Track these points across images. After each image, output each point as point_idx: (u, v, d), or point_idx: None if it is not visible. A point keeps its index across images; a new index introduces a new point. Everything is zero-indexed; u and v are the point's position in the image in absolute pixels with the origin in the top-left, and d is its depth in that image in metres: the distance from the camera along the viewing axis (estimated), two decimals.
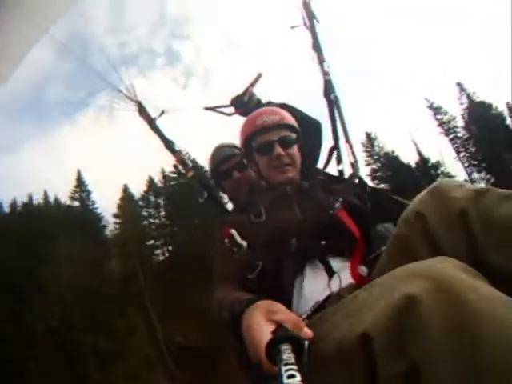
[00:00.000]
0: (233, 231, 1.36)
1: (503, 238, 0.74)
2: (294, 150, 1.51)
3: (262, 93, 2.03)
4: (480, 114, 30.31)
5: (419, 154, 31.31)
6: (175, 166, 30.10)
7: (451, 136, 31.38)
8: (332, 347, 0.73)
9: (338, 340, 0.72)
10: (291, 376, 0.55)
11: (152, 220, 29.83)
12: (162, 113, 1.93)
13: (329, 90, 1.75)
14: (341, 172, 1.68)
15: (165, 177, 31.24)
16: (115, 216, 28.64)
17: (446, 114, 31.82)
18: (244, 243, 1.31)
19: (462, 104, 31.72)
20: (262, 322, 0.79)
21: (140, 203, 30.35)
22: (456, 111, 32.10)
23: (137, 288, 22.27)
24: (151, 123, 1.92)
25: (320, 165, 1.78)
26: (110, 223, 29.23)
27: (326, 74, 1.80)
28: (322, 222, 1.28)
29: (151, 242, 28.76)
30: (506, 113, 31.19)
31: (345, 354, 0.68)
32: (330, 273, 1.16)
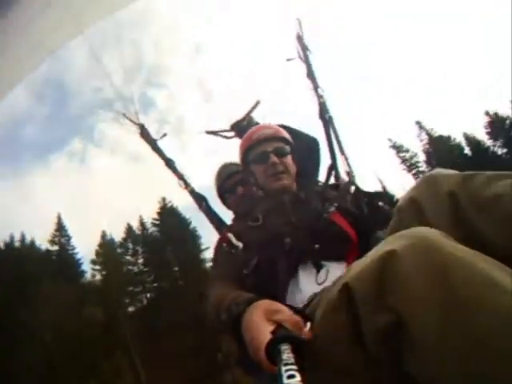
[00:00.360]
0: (229, 234, 1.43)
1: (494, 216, 0.75)
2: (288, 159, 1.59)
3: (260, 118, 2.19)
4: (439, 147, 32.51)
5: (384, 190, 32.89)
6: (159, 214, 30.88)
7: (413, 171, 33.54)
8: (321, 309, 0.79)
9: (326, 301, 0.78)
10: (291, 376, 0.56)
11: (130, 267, 29.80)
12: (164, 135, 2.10)
13: (323, 112, 1.90)
14: (338, 186, 1.76)
15: (142, 224, 31.69)
16: (93, 262, 28.71)
17: (407, 151, 34.16)
18: (240, 244, 1.38)
19: (421, 141, 34.21)
20: (262, 321, 0.80)
21: (118, 250, 30.36)
22: (417, 148, 34.33)
23: (118, 334, 22.03)
24: (152, 144, 2.06)
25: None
26: (88, 269, 29.00)
27: (320, 97, 1.96)
28: (316, 225, 1.34)
29: (130, 288, 28.56)
30: (463, 143, 33.40)
31: (330, 308, 0.74)
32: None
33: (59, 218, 29.92)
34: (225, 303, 1.06)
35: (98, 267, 28.20)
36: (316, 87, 1.99)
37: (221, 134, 2.22)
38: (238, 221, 1.70)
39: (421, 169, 33.49)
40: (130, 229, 31.38)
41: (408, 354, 0.60)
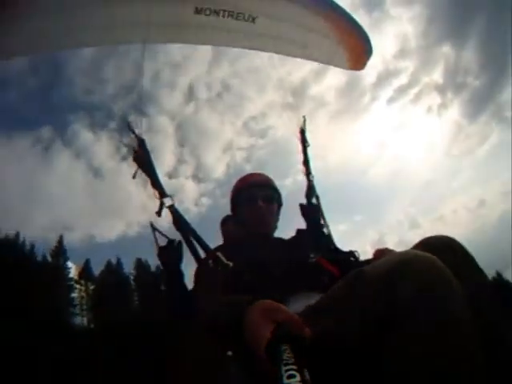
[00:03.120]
0: (219, 253, 1.52)
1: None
2: (274, 206, 1.77)
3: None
4: None
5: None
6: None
7: None
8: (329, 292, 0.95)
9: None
10: (291, 376, 0.57)
11: None
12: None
13: (311, 193, 2.16)
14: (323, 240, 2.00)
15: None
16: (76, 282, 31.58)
17: None
18: (230, 263, 1.46)
19: None
20: (262, 321, 0.81)
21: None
22: None
23: None
24: (146, 163, 1.85)
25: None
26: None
27: (310, 181, 2.22)
28: (304, 263, 1.49)
29: None
30: None
31: (345, 283, 0.88)
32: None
33: (61, 239, 32.24)
34: (223, 305, 1.09)
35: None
36: (308, 173, 2.24)
37: None
38: (227, 247, 1.71)
39: None
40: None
41: (388, 352, 0.71)
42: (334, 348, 0.81)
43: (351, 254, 1.72)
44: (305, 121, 2.44)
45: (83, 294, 31.05)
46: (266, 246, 1.64)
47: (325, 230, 2.08)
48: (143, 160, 1.86)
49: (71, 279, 31.49)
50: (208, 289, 1.39)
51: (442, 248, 0.99)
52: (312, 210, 2.12)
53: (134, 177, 1.83)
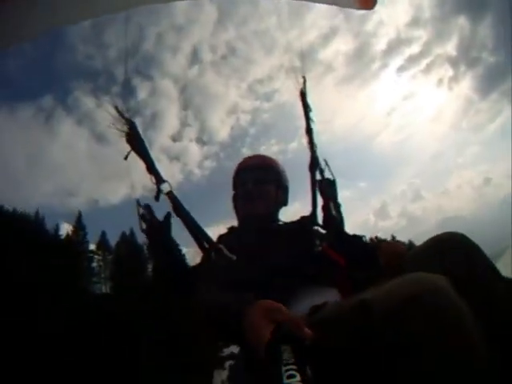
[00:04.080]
0: (221, 246, 1.49)
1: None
2: (267, 187, 1.70)
3: None
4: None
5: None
6: None
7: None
8: (333, 309, 0.95)
9: (339, 304, 0.95)
10: (291, 376, 0.58)
11: None
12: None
13: (314, 165, 1.96)
14: (328, 225, 1.84)
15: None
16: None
17: None
18: (233, 256, 1.44)
19: None
20: (261, 321, 0.81)
21: None
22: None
23: None
24: (139, 145, 1.71)
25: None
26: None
27: (313, 152, 2.00)
28: (310, 254, 1.47)
29: None
30: None
31: (344, 312, 0.85)
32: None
33: (80, 215, 33.92)
34: (223, 304, 1.06)
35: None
36: (312, 143, 2.04)
37: None
38: (230, 236, 1.67)
39: None
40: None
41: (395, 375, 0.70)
42: (333, 348, 0.83)
43: (357, 238, 1.69)
44: (305, 81, 2.15)
45: (101, 263, 33.55)
46: (269, 236, 1.60)
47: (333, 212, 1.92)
48: (136, 143, 1.72)
49: (91, 251, 33.80)
50: (210, 283, 1.37)
51: (454, 245, 1.05)
52: (329, 187, 1.94)
53: (125, 158, 1.71)
